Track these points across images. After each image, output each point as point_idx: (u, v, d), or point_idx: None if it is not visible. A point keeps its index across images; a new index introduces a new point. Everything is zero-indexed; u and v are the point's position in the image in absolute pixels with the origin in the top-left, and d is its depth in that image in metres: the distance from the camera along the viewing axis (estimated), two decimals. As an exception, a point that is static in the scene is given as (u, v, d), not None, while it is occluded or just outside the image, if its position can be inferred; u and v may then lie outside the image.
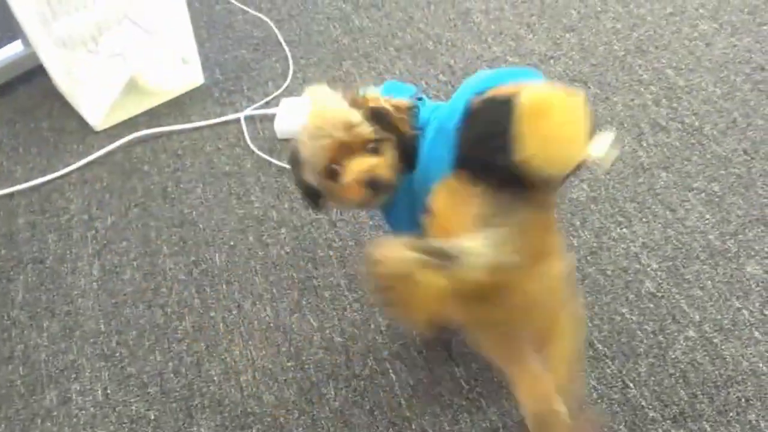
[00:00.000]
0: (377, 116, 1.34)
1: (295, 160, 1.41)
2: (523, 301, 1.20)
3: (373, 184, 1.33)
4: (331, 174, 1.34)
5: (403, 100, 1.38)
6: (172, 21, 2.32)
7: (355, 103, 1.36)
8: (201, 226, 1.97)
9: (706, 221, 1.79)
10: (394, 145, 1.35)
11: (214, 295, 1.81)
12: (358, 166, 1.32)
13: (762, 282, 1.66)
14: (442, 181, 1.25)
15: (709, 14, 2.33)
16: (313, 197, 1.44)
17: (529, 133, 1.11)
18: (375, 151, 1.34)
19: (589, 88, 2.14)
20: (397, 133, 1.34)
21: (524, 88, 1.14)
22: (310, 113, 1.36)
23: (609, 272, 1.72)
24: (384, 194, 1.36)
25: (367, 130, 1.33)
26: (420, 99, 1.40)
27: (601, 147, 1.17)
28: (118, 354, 1.72)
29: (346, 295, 1.77)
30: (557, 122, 1.12)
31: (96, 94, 2.26)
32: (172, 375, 1.67)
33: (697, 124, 2.00)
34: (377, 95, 1.38)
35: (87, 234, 1.99)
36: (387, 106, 1.35)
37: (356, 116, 1.33)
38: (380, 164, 1.33)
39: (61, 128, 2.32)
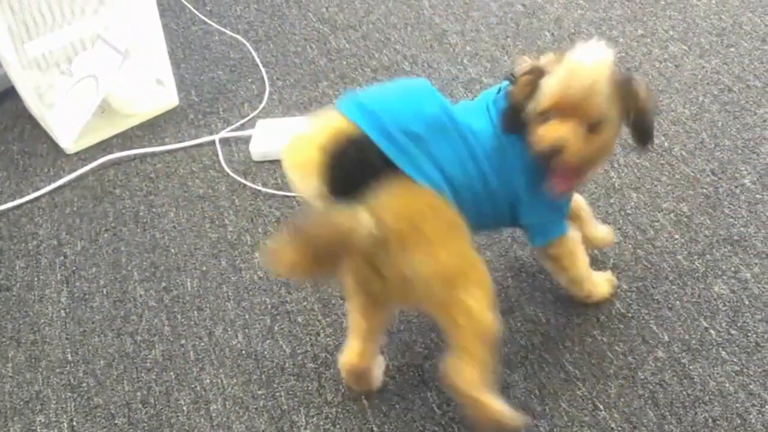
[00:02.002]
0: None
1: (534, 84, 1.40)
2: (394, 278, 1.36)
3: (548, 153, 1.38)
4: (544, 118, 1.39)
5: None
6: (147, 42, 2.32)
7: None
8: (173, 251, 1.96)
9: (675, 241, 1.79)
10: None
11: (185, 322, 1.80)
12: (555, 131, 1.37)
13: (729, 302, 1.67)
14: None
15: (679, 36, 2.35)
16: (514, 119, 1.44)
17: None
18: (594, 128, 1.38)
19: (562, 108, 2.15)
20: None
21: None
22: (570, 58, 1.38)
23: (580, 294, 1.72)
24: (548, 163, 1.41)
25: (598, 112, 1.37)
26: None
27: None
28: (84, 384, 1.71)
29: (319, 320, 1.76)
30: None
31: (68, 116, 2.25)
32: (140, 405, 1.66)
33: (666, 144, 2.01)
34: None
35: (56, 260, 1.98)
36: None
37: (600, 93, 1.36)
38: (571, 140, 1.37)
39: (31, 151, 2.31)
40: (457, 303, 1.39)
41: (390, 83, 1.47)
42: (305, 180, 1.35)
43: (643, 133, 1.44)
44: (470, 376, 1.41)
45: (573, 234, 1.58)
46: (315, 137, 1.35)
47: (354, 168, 1.35)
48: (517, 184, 1.47)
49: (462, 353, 1.41)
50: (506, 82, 1.46)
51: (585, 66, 1.35)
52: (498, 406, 1.44)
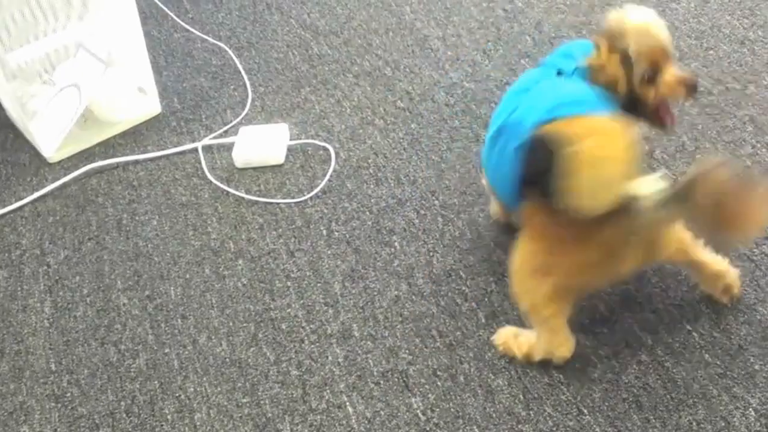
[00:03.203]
0: None
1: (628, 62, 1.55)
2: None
3: (691, 85, 1.57)
4: (650, 77, 1.55)
5: None
6: (129, 50, 2.31)
7: None
8: (156, 259, 1.96)
9: (658, 245, 1.80)
10: None
11: (168, 330, 1.80)
12: (678, 71, 1.56)
13: (711, 304, 1.67)
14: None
15: (659, 38, 2.36)
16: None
17: (573, 184, 1.32)
18: None
19: (544, 112, 2.15)
20: None
21: (576, 135, 1.35)
22: (632, 25, 1.55)
23: (563, 298, 1.72)
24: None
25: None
26: None
27: (648, 186, 1.33)
28: (69, 394, 1.71)
29: (303, 327, 1.76)
30: (599, 173, 1.34)
31: (50, 125, 2.24)
32: (124, 415, 1.66)
33: (647, 148, 2.02)
34: None
35: (39, 270, 1.97)
36: None
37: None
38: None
39: (13, 160, 2.30)
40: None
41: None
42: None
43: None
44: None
45: None
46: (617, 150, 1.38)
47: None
48: None
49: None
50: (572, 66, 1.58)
51: (651, 21, 1.56)
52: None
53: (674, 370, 1.58)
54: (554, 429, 1.52)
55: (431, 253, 1.86)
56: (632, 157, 1.34)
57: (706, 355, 1.59)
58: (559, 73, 1.58)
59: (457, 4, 2.62)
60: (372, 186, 2.05)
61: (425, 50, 2.46)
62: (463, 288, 1.78)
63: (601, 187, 1.34)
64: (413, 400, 1.60)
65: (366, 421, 1.58)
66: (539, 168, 1.41)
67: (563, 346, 1.59)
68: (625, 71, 1.55)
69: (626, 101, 1.55)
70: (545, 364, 1.62)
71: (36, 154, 2.29)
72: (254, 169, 2.15)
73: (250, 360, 1.72)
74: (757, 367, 1.57)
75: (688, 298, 1.69)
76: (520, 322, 1.69)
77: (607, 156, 1.35)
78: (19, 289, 1.94)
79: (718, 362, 1.58)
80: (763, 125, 2.04)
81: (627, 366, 1.60)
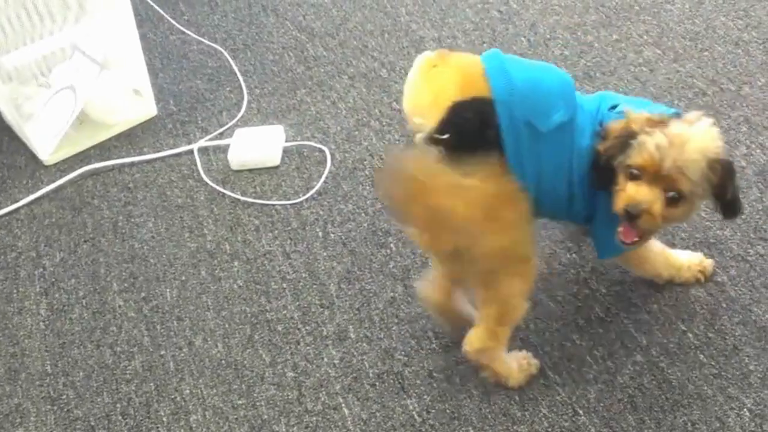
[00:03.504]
0: None
1: (625, 145, 1.40)
2: None
3: (630, 215, 1.40)
4: (632, 176, 1.40)
5: None
6: (125, 52, 2.31)
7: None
8: (152, 261, 1.96)
9: (653, 246, 1.80)
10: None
11: (164, 332, 1.80)
12: (638, 195, 1.39)
13: (706, 305, 1.68)
14: None
15: (653, 41, 2.36)
16: (604, 177, 1.45)
17: None
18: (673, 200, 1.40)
19: (539, 113, 2.16)
20: None
21: None
22: (677, 132, 1.38)
23: (559, 298, 1.73)
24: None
25: (688, 186, 1.38)
26: None
27: None
28: (64, 396, 1.71)
29: (299, 329, 1.76)
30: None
31: (46, 128, 2.24)
32: (120, 417, 1.66)
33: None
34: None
35: (35, 272, 1.97)
36: None
37: (696, 172, 1.37)
38: (654, 207, 1.39)
39: (9, 163, 2.30)
40: (499, 283, 1.48)
41: (540, 65, 1.51)
42: (422, 119, 1.44)
43: (729, 211, 1.47)
44: (483, 345, 1.54)
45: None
46: (449, 80, 1.44)
47: (470, 133, 1.41)
48: (599, 205, 1.50)
49: (482, 326, 1.54)
50: (619, 104, 1.47)
51: (689, 142, 1.37)
52: (505, 371, 1.58)
53: (669, 371, 1.58)
54: (549, 430, 1.53)
55: (427, 255, 1.86)
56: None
57: (701, 356, 1.60)
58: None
59: (453, 5, 2.63)
60: (368, 187, 2.05)
61: (421, 51, 2.45)
62: (459, 289, 1.78)
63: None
64: (409, 401, 1.61)
65: (362, 423, 1.58)
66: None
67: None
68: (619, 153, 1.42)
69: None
70: (540, 365, 1.62)
71: (32, 156, 2.29)
72: (250, 170, 2.15)
73: (245, 362, 1.72)
74: (752, 367, 1.57)
75: (683, 299, 1.69)
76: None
77: None
78: (14, 291, 1.94)
79: (713, 363, 1.59)
80: (758, 126, 2.04)
81: (622, 366, 1.60)
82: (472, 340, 1.55)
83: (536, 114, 1.41)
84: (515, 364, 1.60)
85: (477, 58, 1.46)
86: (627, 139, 1.39)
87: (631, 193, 1.39)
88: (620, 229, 1.45)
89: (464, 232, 1.38)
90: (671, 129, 1.37)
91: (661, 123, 1.39)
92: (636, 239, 1.45)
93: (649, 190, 1.38)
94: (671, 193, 1.38)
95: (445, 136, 1.39)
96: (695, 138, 1.37)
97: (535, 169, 1.45)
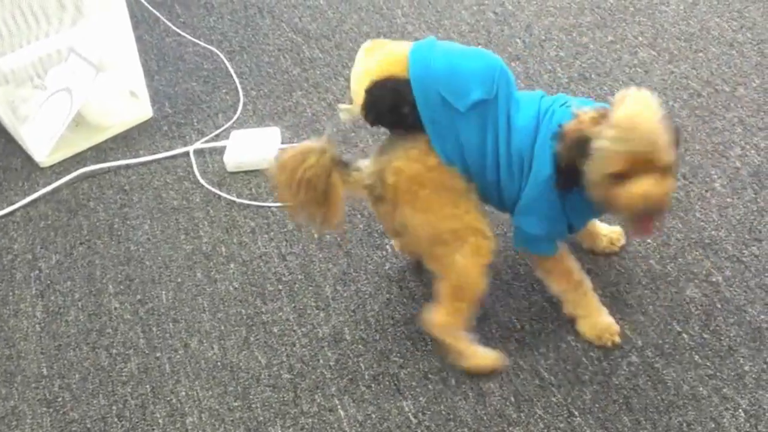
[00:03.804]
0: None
1: (582, 148, 1.40)
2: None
3: (656, 209, 1.40)
4: (617, 178, 1.38)
5: None
6: (121, 54, 2.31)
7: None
8: (148, 263, 1.96)
9: (648, 246, 1.81)
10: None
11: (160, 334, 1.80)
12: (649, 187, 1.37)
13: (701, 305, 1.68)
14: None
15: (648, 42, 2.37)
16: (569, 178, 1.45)
17: None
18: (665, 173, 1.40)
19: (534, 115, 2.16)
20: None
21: None
22: (619, 116, 1.37)
23: (555, 299, 1.72)
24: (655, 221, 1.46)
25: (668, 156, 1.38)
26: None
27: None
28: (60, 399, 1.71)
29: (295, 330, 1.76)
30: None
31: (42, 130, 2.24)
32: (116, 419, 1.66)
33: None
34: None
35: (30, 274, 1.97)
36: None
37: (662, 138, 1.37)
38: (667, 192, 1.40)
39: (5, 165, 2.30)
40: (444, 258, 1.55)
41: (469, 51, 1.54)
42: (357, 92, 1.54)
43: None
44: (441, 321, 1.59)
45: (564, 255, 1.62)
46: (375, 64, 1.54)
47: (385, 108, 1.50)
48: (531, 192, 1.50)
49: (439, 301, 1.58)
50: (569, 99, 1.50)
51: (641, 119, 1.36)
52: (471, 350, 1.62)
53: (664, 372, 1.59)
54: (545, 431, 1.53)
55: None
56: None
57: (696, 357, 1.60)
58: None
59: (448, 7, 2.63)
60: (363, 189, 2.05)
61: (416, 53, 2.46)
62: (454, 290, 1.78)
63: None
64: (405, 403, 1.61)
65: (357, 425, 1.58)
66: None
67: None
68: (578, 157, 1.42)
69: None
70: (536, 366, 1.62)
71: (27, 158, 2.29)
72: (246, 172, 2.15)
73: (241, 363, 1.72)
74: (746, 368, 1.57)
75: (678, 299, 1.70)
76: (511, 324, 1.70)
77: None
78: (10, 293, 1.94)
79: (708, 363, 1.59)
80: (752, 127, 2.05)
81: (617, 368, 1.60)
82: (432, 315, 1.60)
83: (451, 92, 1.45)
84: (480, 350, 1.63)
85: (410, 44, 1.51)
86: (583, 143, 1.39)
87: (641, 191, 1.37)
88: (638, 229, 1.46)
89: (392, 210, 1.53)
90: (618, 116, 1.37)
91: (603, 117, 1.39)
92: (652, 226, 1.46)
93: (652, 180, 1.37)
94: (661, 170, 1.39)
95: (344, 107, 1.53)
96: (645, 114, 1.37)
97: (457, 148, 1.49)
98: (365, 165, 1.55)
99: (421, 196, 1.50)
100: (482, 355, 1.62)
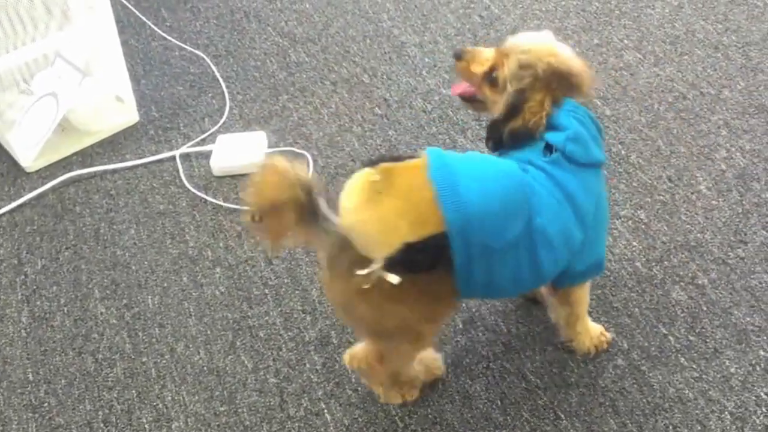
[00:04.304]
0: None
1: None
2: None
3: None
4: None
5: None
6: (106, 59, 2.31)
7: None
8: (134, 267, 1.95)
9: (633, 248, 1.81)
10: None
11: (146, 339, 1.79)
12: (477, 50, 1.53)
13: (687, 308, 1.69)
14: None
15: (634, 45, 2.37)
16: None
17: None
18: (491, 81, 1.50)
19: (521, 118, 2.16)
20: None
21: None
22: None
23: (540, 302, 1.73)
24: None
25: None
26: None
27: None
28: (46, 404, 1.70)
29: (281, 334, 1.76)
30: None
31: (28, 135, 2.23)
32: (102, 424, 1.65)
33: (623, 152, 2.03)
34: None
35: (16, 279, 1.96)
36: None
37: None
38: (473, 60, 1.53)
39: (-9, 171, 2.30)
40: (381, 345, 1.51)
41: (486, 169, 1.39)
42: (367, 248, 1.32)
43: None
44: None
45: None
46: (398, 215, 1.31)
47: (424, 267, 1.34)
48: (575, 241, 1.44)
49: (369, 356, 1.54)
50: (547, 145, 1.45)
51: (537, 40, 1.48)
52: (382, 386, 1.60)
53: (650, 374, 1.59)
54: (531, 434, 1.53)
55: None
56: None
57: (682, 359, 1.61)
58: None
59: (434, 10, 2.63)
60: (350, 193, 2.05)
61: (402, 57, 2.47)
62: (441, 294, 1.78)
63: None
64: (391, 406, 1.61)
65: (344, 429, 1.58)
66: None
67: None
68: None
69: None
70: (522, 369, 1.63)
71: (13, 163, 2.28)
72: (232, 177, 2.15)
73: (227, 368, 1.71)
74: (732, 370, 1.58)
75: (664, 302, 1.70)
76: (497, 327, 1.70)
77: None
78: (-4, 299, 1.94)
79: (693, 366, 1.60)
80: (737, 129, 2.06)
81: (603, 370, 1.61)
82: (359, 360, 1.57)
83: (491, 235, 1.34)
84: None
85: (423, 181, 1.32)
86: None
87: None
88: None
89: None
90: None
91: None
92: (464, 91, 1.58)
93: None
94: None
95: (396, 281, 1.30)
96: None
97: (486, 278, 1.38)
98: (335, 221, 1.34)
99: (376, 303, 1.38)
100: (391, 394, 1.61)
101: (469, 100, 1.58)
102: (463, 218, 1.30)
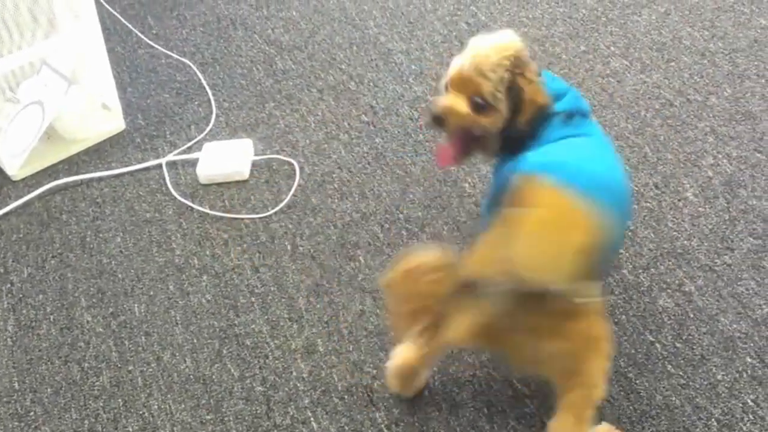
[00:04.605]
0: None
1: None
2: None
3: (438, 118, 1.53)
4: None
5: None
6: (93, 67, 2.30)
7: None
8: (120, 276, 1.94)
9: (620, 255, 1.81)
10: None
11: (132, 347, 1.79)
12: (445, 100, 1.52)
13: (674, 315, 1.69)
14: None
15: (620, 52, 2.38)
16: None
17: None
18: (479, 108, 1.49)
19: (507, 125, 2.16)
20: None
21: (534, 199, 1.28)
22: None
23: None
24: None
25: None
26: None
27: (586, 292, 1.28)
28: (32, 413, 1.69)
29: (268, 342, 1.76)
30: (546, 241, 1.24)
31: (14, 143, 2.22)
32: (87, 433, 1.65)
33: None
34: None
35: (2, 288, 1.95)
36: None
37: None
38: (456, 108, 1.50)
39: (-23, 179, 2.29)
40: (581, 372, 1.38)
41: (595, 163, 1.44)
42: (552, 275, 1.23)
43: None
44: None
45: None
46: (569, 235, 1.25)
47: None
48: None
49: (572, 413, 1.41)
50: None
51: (479, 48, 1.50)
52: None
53: (637, 381, 1.59)
54: (519, 441, 1.53)
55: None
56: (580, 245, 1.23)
57: (669, 366, 1.61)
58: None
59: (421, 18, 2.63)
60: (336, 200, 2.05)
61: (389, 64, 2.47)
62: (428, 301, 1.78)
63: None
64: (378, 414, 1.60)
65: (331, 437, 1.58)
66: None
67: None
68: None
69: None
70: (509, 377, 1.62)
71: (-1, 171, 2.28)
72: (218, 184, 2.14)
73: (214, 376, 1.71)
74: (719, 377, 1.58)
75: (651, 309, 1.70)
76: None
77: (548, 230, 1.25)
78: (-20, 308, 1.93)
79: (680, 373, 1.60)
80: (724, 136, 2.06)
81: (590, 377, 1.61)
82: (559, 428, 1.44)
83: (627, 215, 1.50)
84: None
85: (554, 193, 1.29)
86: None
87: (440, 99, 1.53)
88: (438, 152, 1.61)
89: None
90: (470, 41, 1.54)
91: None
92: (451, 157, 1.58)
93: (454, 97, 1.51)
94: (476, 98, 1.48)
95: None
96: (486, 46, 1.52)
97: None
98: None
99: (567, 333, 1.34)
100: None
101: (466, 153, 1.58)
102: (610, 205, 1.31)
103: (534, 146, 1.46)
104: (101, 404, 1.69)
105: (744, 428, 1.51)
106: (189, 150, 2.27)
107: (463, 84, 1.49)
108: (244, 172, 2.15)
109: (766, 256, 1.78)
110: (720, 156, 2.02)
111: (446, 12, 2.64)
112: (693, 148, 2.05)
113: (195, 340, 1.78)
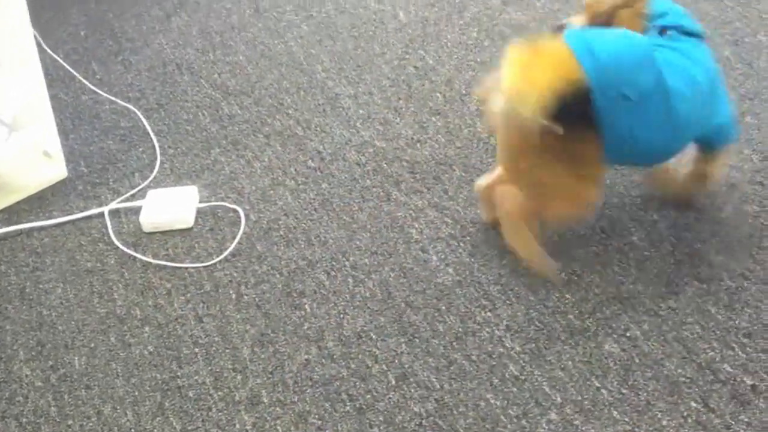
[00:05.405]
0: None
1: None
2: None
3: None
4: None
5: None
6: (35, 113, 2.27)
7: None
8: (60, 328, 1.90)
9: (566, 301, 1.81)
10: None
11: (72, 401, 1.74)
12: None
13: (619, 360, 1.68)
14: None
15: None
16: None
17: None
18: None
19: (455, 170, 2.16)
20: None
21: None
22: None
23: (474, 357, 1.72)
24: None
25: None
26: None
27: None
28: (-37, 474, 1.65)
29: (211, 394, 1.72)
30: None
31: (-48, 193, 2.19)
32: (20, 493, 1.60)
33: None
34: None
35: (-64, 343, 1.91)
36: None
37: None
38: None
39: None
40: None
41: (614, 35, 1.69)
42: (524, 107, 1.57)
43: None
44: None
45: None
46: (545, 71, 1.59)
47: (570, 117, 1.58)
48: (719, 105, 1.80)
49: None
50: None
51: None
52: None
53: (584, 428, 1.58)
54: (466, 492, 1.51)
55: (341, 315, 1.84)
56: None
57: (615, 412, 1.60)
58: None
59: (369, 62, 2.64)
60: (282, 248, 2.03)
61: (336, 109, 2.46)
62: (374, 350, 1.76)
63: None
64: None
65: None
66: None
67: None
68: None
69: None
70: (455, 426, 1.61)
71: (-64, 221, 2.23)
72: (162, 233, 2.11)
73: (155, 430, 1.67)
74: (665, 422, 1.57)
75: (597, 354, 1.70)
76: (429, 383, 1.68)
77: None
78: None
79: (626, 419, 1.59)
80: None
81: (537, 425, 1.59)
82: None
83: (625, 83, 1.60)
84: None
85: (562, 46, 1.62)
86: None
87: None
88: None
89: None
90: None
91: None
92: None
93: None
94: None
95: (560, 131, 1.57)
96: None
97: (629, 131, 1.65)
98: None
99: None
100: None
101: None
102: (597, 66, 1.57)
103: None
104: (38, 462, 1.65)
105: (691, 475, 1.51)
106: (132, 197, 2.24)
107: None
108: (188, 219, 2.13)
109: (710, 300, 1.78)
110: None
111: (394, 56, 2.65)
112: (638, 192, 2.05)
113: (136, 393, 1.74)
